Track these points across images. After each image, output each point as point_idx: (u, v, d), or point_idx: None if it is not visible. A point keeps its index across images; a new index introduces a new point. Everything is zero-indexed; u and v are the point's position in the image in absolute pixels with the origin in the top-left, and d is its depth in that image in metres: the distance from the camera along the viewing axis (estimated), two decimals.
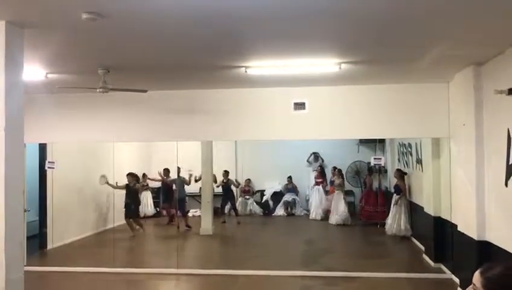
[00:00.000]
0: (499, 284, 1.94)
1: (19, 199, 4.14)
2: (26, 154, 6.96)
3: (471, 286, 2.01)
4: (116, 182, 10.75)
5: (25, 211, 5.67)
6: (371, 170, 12.86)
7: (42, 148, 9.51)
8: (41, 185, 9.68)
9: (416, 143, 9.58)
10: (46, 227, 9.71)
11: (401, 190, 10.66)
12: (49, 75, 6.19)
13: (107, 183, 10.61)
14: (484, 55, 5.53)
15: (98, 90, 5.93)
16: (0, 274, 3.87)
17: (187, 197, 12.78)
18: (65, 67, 5.93)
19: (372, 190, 12.75)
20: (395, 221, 10.66)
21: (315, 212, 13.50)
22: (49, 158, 9.26)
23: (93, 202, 11.07)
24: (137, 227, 11.40)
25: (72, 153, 10.13)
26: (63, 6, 3.55)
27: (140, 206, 13.48)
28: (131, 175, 11.24)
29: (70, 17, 3.73)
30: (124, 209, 11.09)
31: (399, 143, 11.63)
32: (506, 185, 5.16)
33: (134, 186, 11.27)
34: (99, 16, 3.66)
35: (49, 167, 9.14)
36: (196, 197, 12.98)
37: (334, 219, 12.54)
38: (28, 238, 8.52)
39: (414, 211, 10.28)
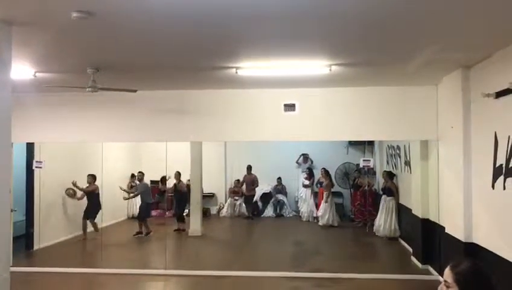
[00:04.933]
0: (469, 276, 2.04)
1: (5, 198, 4.09)
2: (13, 154, 6.89)
3: (442, 284, 2.09)
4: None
5: (11, 211, 5.61)
6: (359, 171, 12.92)
7: (30, 147, 9.41)
8: (29, 184, 9.56)
9: (404, 145, 9.65)
10: (33, 227, 9.60)
11: (391, 191, 10.72)
12: (38, 74, 6.14)
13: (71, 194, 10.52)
14: (472, 59, 5.59)
15: (87, 89, 5.88)
16: None
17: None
18: (54, 66, 5.88)
19: (361, 191, 12.79)
20: (384, 222, 10.74)
21: (306, 214, 13.57)
22: (36, 158, 9.18)
23: (81, 202, 10.94)
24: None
25: (60, 153, 10.04)
26: (52, 4, 3.52)
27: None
28: (91, 176, 10.66)
29: (60, 15, 3.70)
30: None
31: (388, 145, 11.70)
32: (493, 187, 5.22)
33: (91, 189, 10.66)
34: (89, 14, 3.63)
35: (36, 167, 9.07)
36: None
37: (323, 220, 12.57)
38: (15, 238, 8.42)
39: (402, 212, 10.35)
